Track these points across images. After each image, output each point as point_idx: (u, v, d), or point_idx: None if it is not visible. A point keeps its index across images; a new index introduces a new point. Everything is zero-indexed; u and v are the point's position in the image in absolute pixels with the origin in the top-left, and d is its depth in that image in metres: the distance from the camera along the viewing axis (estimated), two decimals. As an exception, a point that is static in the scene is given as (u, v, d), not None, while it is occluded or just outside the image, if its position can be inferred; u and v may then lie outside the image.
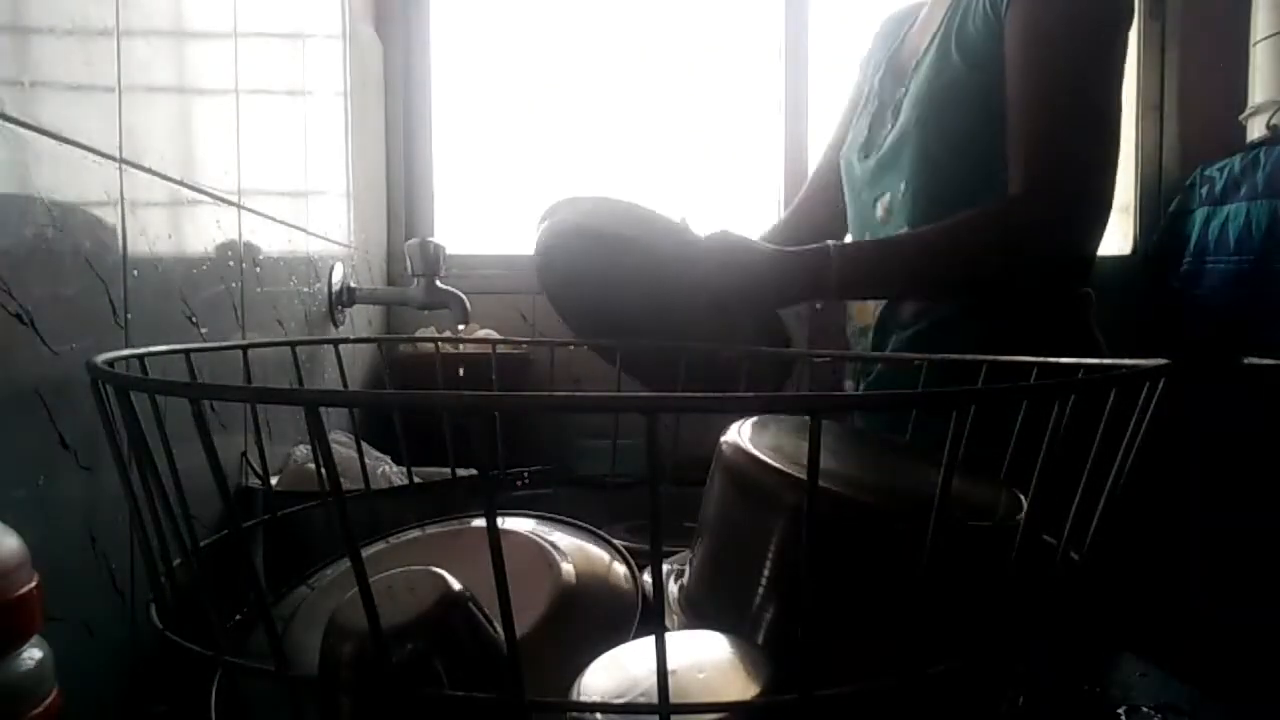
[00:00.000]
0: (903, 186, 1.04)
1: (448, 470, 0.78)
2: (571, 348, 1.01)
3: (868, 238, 1.10)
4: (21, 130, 0.51)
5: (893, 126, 1.07)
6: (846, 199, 1.16)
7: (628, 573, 0.58)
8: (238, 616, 0.55)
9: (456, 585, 0.39)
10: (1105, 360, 0.52)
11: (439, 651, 0.37)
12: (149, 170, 0.66)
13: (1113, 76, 0.95)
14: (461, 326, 1.36)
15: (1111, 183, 0.95)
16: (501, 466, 0.84)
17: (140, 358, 0.50)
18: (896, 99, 1.08)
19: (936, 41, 1.04)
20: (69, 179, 0.55)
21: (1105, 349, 1.02)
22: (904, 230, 1.02)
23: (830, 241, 0.94)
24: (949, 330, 0.99)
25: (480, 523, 0.65)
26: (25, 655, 0.34)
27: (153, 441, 0.41)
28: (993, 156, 0.96)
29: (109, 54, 0.61)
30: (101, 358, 0.43)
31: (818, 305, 1.06)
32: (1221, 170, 1.64)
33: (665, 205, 0.90)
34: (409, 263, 1.31)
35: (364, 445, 0.82)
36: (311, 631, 0.43)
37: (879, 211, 1.08)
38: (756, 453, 0.49)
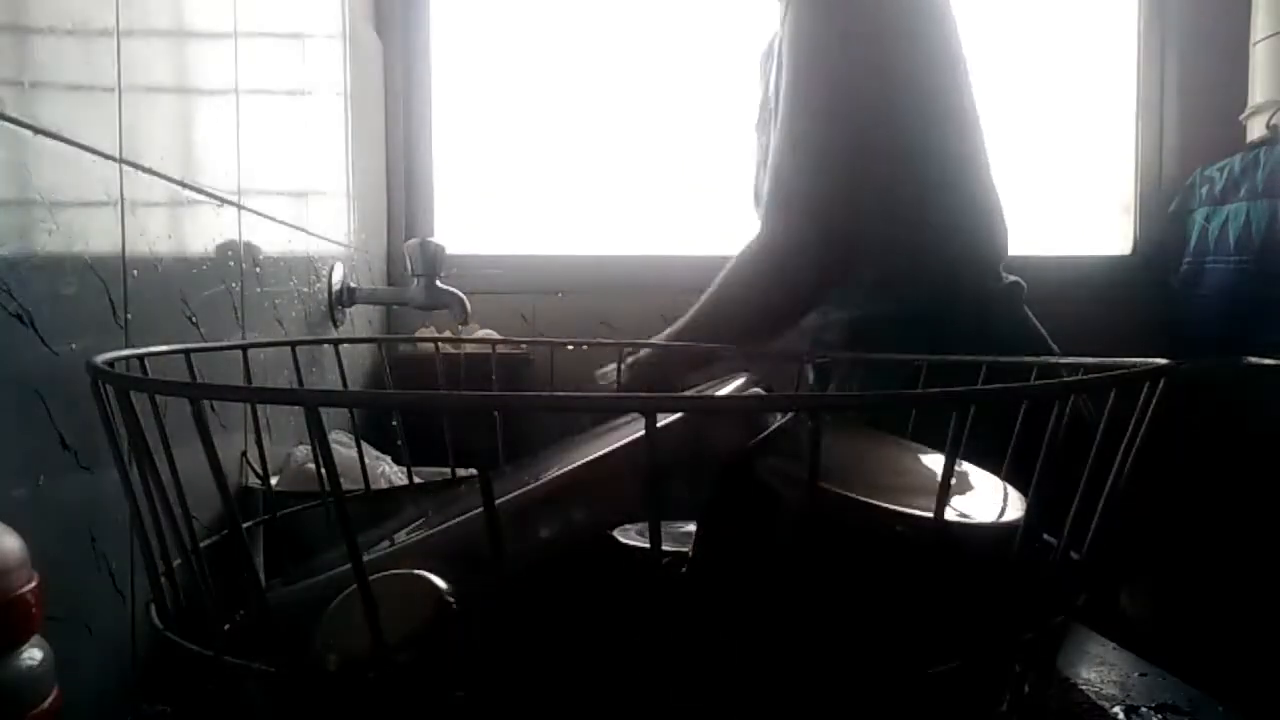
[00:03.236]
0: None
1: (448, 470, 0.78)
2: (570, 348, 1.02)
3: None
4: (21, 130, 0.51)
5: (765, 177, 1.10)
6: None
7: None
8: (238, 617, 0.55)
9: (447, 589, 0.39)
10: (1106, 360, 0.52)
11: (434, 652, 0.37)
12: (149, 170, 0.66)
13: (854, 84, 0.94)
14: (461, 326, 1.36)
15: (834, 210, 0.95)
16: (501, 466, 0.84)
17: (140, 358, 0.50)
18: (762, 147, 1.13)
19: (777, 89, 1.07)
20: (69, 179, 0.55)
21: (1045, 335, 1.03)
22: None
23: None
24: (893, 333, 0.99)
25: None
26: (25, 655, 0.34)
27: (153, 441, 0.41)
28: None
29: (109, 54, 0.61)
30: (101, 358, 0.43)
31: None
32: (1221, 170, 1.64)
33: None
34: (409, 263, 1.31)
35: (364, 445, 0.82)
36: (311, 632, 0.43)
37: None
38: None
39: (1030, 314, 1.05)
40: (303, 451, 0.93)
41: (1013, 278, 1.06)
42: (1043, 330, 1.04)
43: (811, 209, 0.94)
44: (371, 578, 0.35)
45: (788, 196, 0.95)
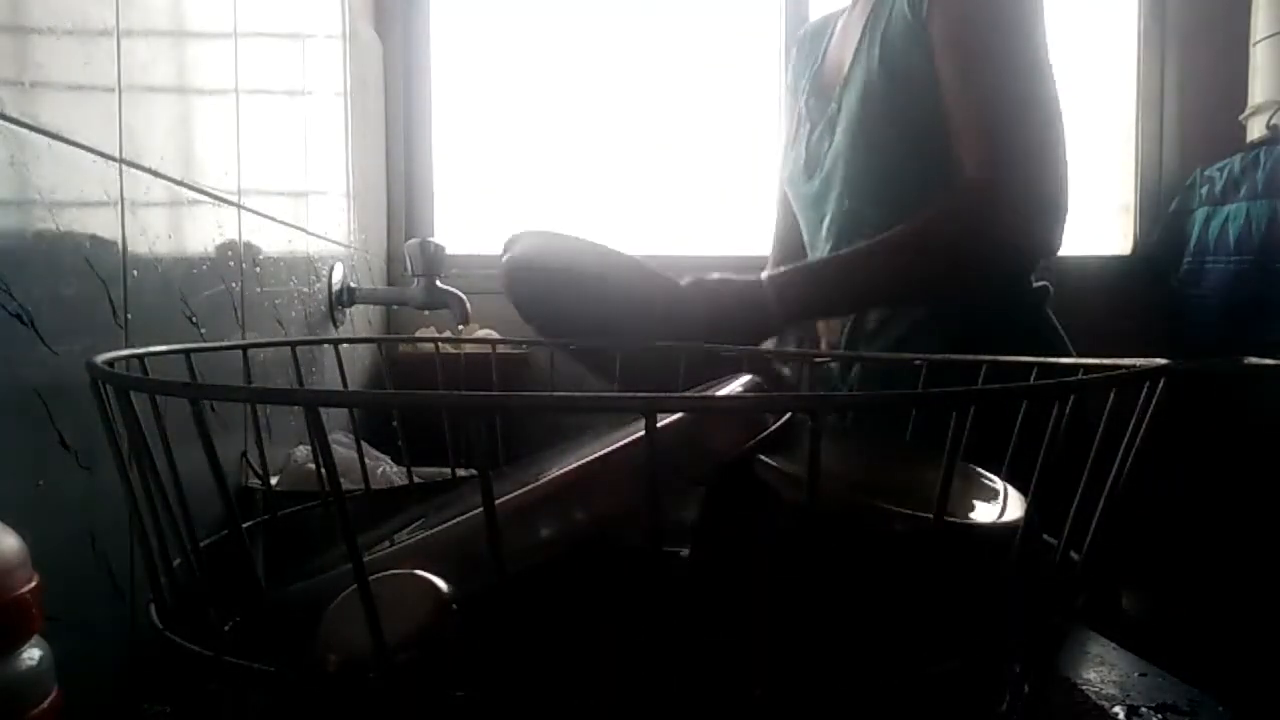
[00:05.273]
0: (845, 204, 1.05)
1: (448, 470, 0.78)
2: (571, 348, 1.01)
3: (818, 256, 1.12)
4: (21, 130, 0.51)
5: (829, 146, 1.07)
6: (800, 221, 1.17)
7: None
8: (238, 617, 0.55)
9: (447, 589, 0.39)
10: (1106, 360, 0.51)
11: (434, 652, 0.37)
12: (149, 170, 0.66)
13: (1043, 51, 0.94)
14: (461, 326, 1.36)
15: (1064, 165, 0.93)
16: (501, 466, 0.84)
17: (140, 358, 0.50)
18: (828, 117, 1.09)
19: (860, 55, 1.04)
20: (69, 179, 0.55)
21: (1066, 340, 1.03)
22: (844, 248, 1.02)
23: (764, 273, 0.92)
24: (915, 339, 0.99)
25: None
26: (25, 655, 0.34)
27: (153, 441, 0.41)
28: (928, 165, 0.96)
29: (109, 54, 0.61)
30: (101, 358, 0.43)
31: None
32: (1221, 170, 1.64)
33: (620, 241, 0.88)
34: (409, 263, 1.31)
35: (364, 445, 0.82)
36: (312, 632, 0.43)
37: (823, 231, 1.10)
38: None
39: (1053, 316, 1.05)
40: (303, 451, 0.93)
41: (1042, 281, 1.06)
42: (1064, 334, 1.04)
43: (1048, 153, 0.91)
44: (371, 578, 0.35)
45: (1018, 144, 0.91)
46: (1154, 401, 0.42)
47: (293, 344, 0.73)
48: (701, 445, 0.45)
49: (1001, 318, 0.99)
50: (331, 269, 1.21)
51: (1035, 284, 1.05)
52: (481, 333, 1.47)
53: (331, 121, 1.25)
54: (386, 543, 0.54)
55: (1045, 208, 0.92)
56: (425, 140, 1.77)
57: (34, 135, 0.52)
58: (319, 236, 1.16)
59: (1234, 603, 1.48)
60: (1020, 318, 1.02)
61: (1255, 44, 1.66)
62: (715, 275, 0.94)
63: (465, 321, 1.33)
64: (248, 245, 0.88)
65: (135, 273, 0.63)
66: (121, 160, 0.62)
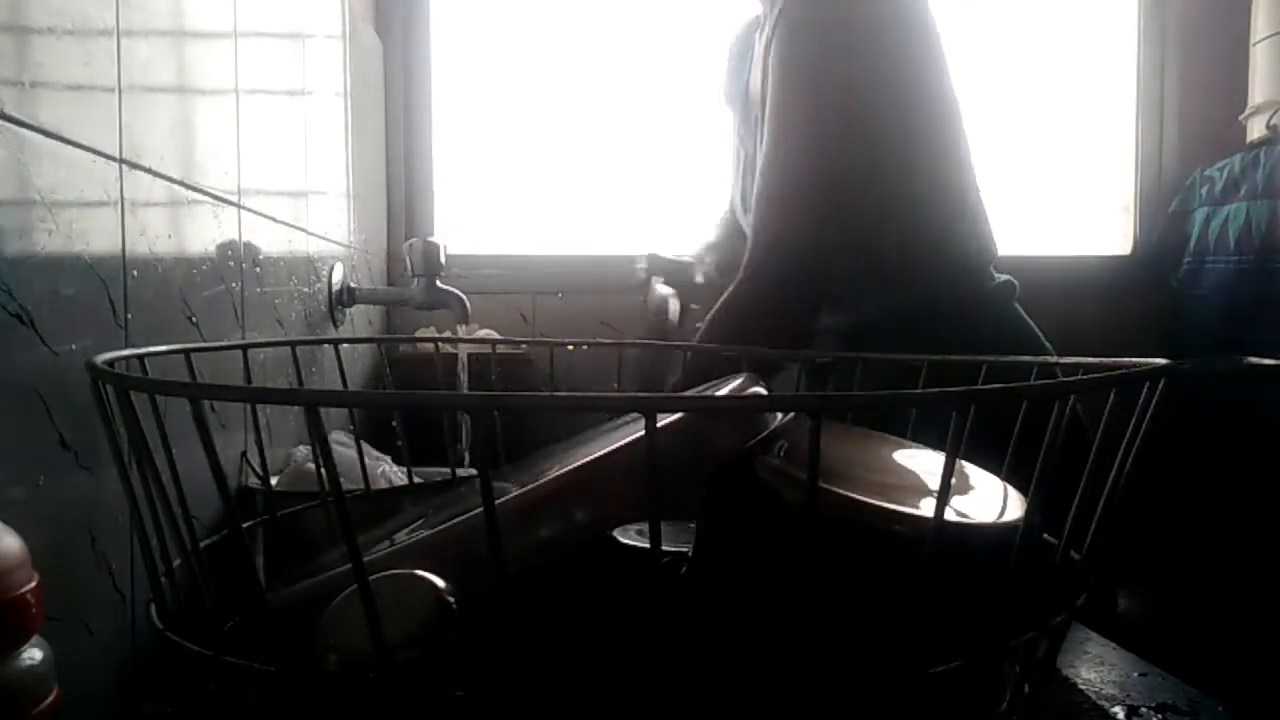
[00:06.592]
0: None
1: (448, 470, 0.78)
2: (570, 348, 1.01)
3: None
4: (21, 130, 0.51)
5: (753, 182, 1.07)
6: None
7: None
8: (238, 617, 0.55)
9: (447, 589, 0.39)
10: (1106, 360, 0.52)
11: (434, 652, 0.37)
12: (149, 170, 0.66)
13: (855, 109, 0.93)
14: (461, 326, 1.36)
15: (817, 226, 0.94)
16: (501, 466, 0.84)
17: (140, 358, 0.50)
18: (751, 150, 1.09)
19: (765, 87, 1.03)
20: (69, 179, 0.55)
21: (1035, 330, 1.02)
22: None
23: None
24: (884, 338, 0.99)
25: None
26: (25, 655, 0.34)
27: (153, 441, 0.41)
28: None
29: (109, 54, 0.61)
30: (101, 358, 0.43)
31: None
32: (1221, 170, 1.64)
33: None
34: (409, 263, 1.31)
35: (364, 445, 0.82)
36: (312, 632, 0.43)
37: None
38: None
39: (1022, 311, 1.05)
40: (303, 451, 0.93)
41: (1005, 276, 1.05)
42: (1034, 326, 1.04)
43: (791, 245, 0.94)
44: (371, 578, 0.35)
45: (770, 231, 0.94)
46: (1154, 401, 0.42)
47: (293, 344, 0.73)
48: (702, 445, 0.45)
49: (965, 316, 0.99)
50: (331, 269, 1.21)
51: (997, 281, 1.05)
52: (481, 333, 1.47)
53: (331, 121, 1.25)
54: (386, 543, 0.54)
55: (799, 293, 0.95)
56: (425, 140, 1.77)
57: (34, 135, 0.52)
58: (319, 236, 1.16)
59: (1234, 603, 1.48)
60: (982, 316, 1.01)
61: (1255, 44, 1.66)
62: None
63: (465, 321, 1.33)
64: (248, 245, 0.88)
65: (135, 273, 0.64)
66: (121, 160, 0.62)
